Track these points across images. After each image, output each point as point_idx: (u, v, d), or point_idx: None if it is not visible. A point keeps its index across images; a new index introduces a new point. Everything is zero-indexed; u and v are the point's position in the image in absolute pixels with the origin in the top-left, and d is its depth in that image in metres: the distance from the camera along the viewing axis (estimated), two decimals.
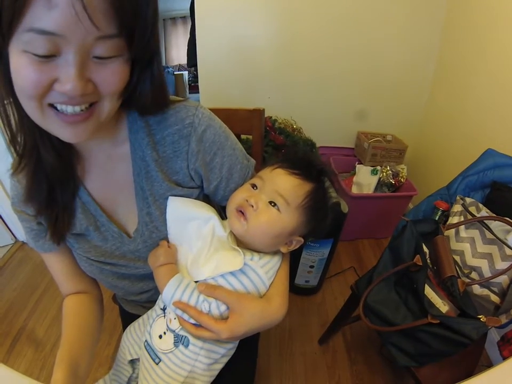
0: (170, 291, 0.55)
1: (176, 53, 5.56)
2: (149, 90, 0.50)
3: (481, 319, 0.72)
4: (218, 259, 0.57)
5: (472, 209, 0.90)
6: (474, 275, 0.83)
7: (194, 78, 5.35)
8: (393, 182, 1.81)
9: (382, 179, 1.85)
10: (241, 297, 0.55)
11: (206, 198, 0.67)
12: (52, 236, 0.59)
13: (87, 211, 0.60)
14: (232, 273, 0.56)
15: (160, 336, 0.59)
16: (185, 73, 5.49)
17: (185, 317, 0.55)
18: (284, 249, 0.61)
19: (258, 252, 0.59)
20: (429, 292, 0.83)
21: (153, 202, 0.61)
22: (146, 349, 0.60)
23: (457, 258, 0.87)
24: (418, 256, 0.86)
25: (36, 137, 0.48)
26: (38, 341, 1.42)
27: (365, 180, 1.92)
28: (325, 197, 0.62)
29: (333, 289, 1.66)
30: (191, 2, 2.07)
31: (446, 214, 0.97)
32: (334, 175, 0.67)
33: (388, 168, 1.83)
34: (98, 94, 0.42)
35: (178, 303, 0.55)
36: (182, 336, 0.57)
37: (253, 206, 0.56)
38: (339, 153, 2.15)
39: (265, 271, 0.58)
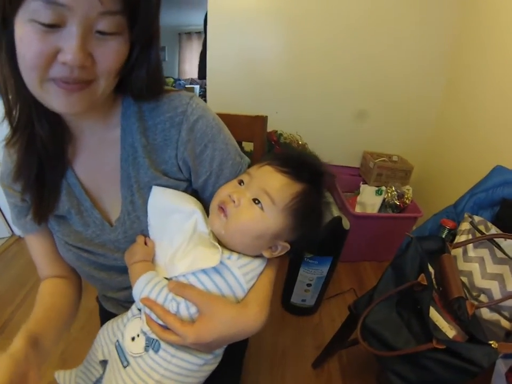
0: (140, 287, 0.51)
1: (189, 67, 5.71)
2: (145, 75, 0.51)
3: (492, 345, 0.66)
4: (195, 255, 0.52)
5: (481, 227, 0.85)
6: (483, 298, 0.77)
7: (204, 92, 5.47)
8: (398, 203, 1.77)
9: (386, 200, 1.81)
10: (213, 300, 0.50)
11: (195, 194, 0.63)
12: (35, 215, 0.58)
13: (71, 193, 0.59)
14: (205, 271, 0.51)
15: (133, 338, 0.53)
16: (197, 87, 5.66)
17: (154, 317, 0.51)
18: (266, 254, 0.56)
19: (238, 252, 0.54)
20: (434, 314, 0.77)
21: (137, 190, 0.58)
22: (116, 349, 0.55)
23: (464, 279, 0.81)
24: (422, 275, 0.80)
25: (31, 111, 0.48)
26: None
27: (369, 200, 1.88)
28: (318, 202, 0.57)
29: (331, 311, 1.58)
30: (205, 16, 2.11)
31: (453, 233, 0.92)
32: (332, 177, 0.60)
33: (393, 189, 1.79)
34: (95, 72, 0.43)
35: (146, 300, 0.51)
36: (153, 340, 0.52)
37: (234, 202, 0.52)
38: (344, 172, 2.12)
39: (243, 273, 0.53)
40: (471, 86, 1.64)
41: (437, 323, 0.75)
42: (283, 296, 1.59)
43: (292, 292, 1.52)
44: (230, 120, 0.70)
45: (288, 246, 0.57)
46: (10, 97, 0.47)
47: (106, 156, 0.59)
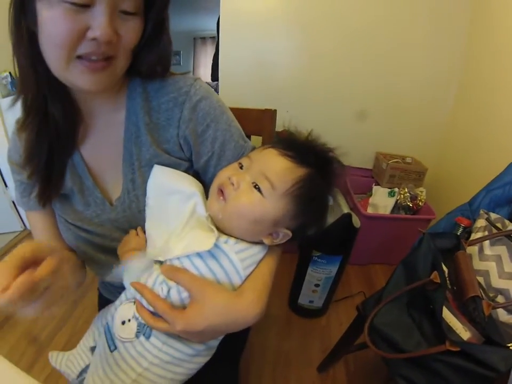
0: (131, 270, 0.50)
1: (204, 71, 5.77)
2: (157, 52, 0.54)
3: (511, 348, 0.61)
4: (190, 238, 0.50)
5: (498, 225, 0.79)
6: (500, 299, 0.72)
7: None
8: (411, 205, 1.71)
9: (399, 201, 1.75)
10: (206, 285, 0.47)
11: (197, 176, 0.62)
12: (40, 197, 0.58)
13: (75, 172, 0.60)
14: (200, 255, 0.48)
15: (123, 322, 0.51)
16: None
17: (145, 303, 0.48)
18: (267, 241, 0.53)
19: (236, 238, 0.52)
20: (447, 315, 0.72)
21: (138, 168, 0.58)
22: (105, 333, 0.53)
23: (480, 279, 0.76)
24: (435, 272, 0.75)
25: (46, 93, 0.50)
26: (24, 329, 1.39)
27: (381, 202, 1.83)
28: (322, 189, 0.54)
29: (339, 314, 1.53)
30: (218, 19, 2.12)
31: (468, 231, 0.86)
32: (342, 167, 0.56)
33: (406, 190, 1.74)
34: (117, 49, 0.47)
35: (137, 284, 0.48)
36: (145, 325, 0.49)
37: (233, 185, 0.50)
38: (356, 173, 2.07)
39: (240, 258, 0.50)
40: (483, 87, 1.60)
41: (450, 324, 0.70)
42: (290, 297, 1.55)
43: (299, 293, 1.48)
44: (239, 113, 0.70)
45: (290, 234, 0.53)
46: (24, 79, 0.49)
47: (110, 136, 0.60)
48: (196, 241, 0.49)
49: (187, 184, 0.56)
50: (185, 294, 0.47)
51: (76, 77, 0.47)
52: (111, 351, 0.50)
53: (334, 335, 1.39)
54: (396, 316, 0.81)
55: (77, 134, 0.58)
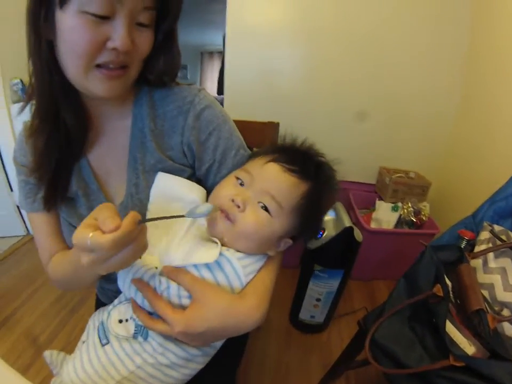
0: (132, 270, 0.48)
1: (210, 85, 5.87)
2: (167, 61, 0.57)
3: None
4: (191, 247, 0.50)
5: (503, 237, 0.78)
6: (506, 312, 0.70)
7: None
8: (414, 220, 1.69)
9: (402, 216, 1.74)
10: (207, 286, 0.47)
11: (199, 183, 0.62)
12: (46, 202, 0.58)
13: (80, 175, 0.61)
14: (205, 263, 0.48)
15: (121, 321, 0.51)
16: None
17: (139, 302, 0.48)
18: (270, 252, 0.54)
19: None
20: (451, 329, 0.69)
21: (142, 172, 0.59)
22: (98, 329, 0.52)
23: (485, 293, 0.74)
24: (438, 285, 0.74)
25: (59, 100, 0.52)
26: (22, 331, 1.40)
27: (384, 216, 1.81)
28: (322, 196, 0.55)
29: (340, 330, 1.49)
30: (224, 33, 2.17)
31: (472, 244, 0.85)
32: (333, 171, 0.58)
33: (410, 205, 1.72)
34: (132, 57, 0.50)
35: (138, 282, 0.48)
36: (142, 327, 0.49)
37: (239, 207, 0.49)
38: (359, 188, 2.06)
39: (242, 265, 0.50)
40: (486, 99, 1.60)
41: (454, 339, 0.67)
42: (291, 312, 1.52)
43: (300, 307, 1.45)
44: (242, 126, 0.71)
45: (291, 242, 0.55)
46: (39, 86, 0.50)
47: (117, 141, 0.61)
48: (198, 252, 0.49)
49: (189, 192, 0.56)
50: (184, 293, 0.47)
51: (94, 84, 0.49)
52: (102, 345, 0.49)
53: (335, 351, 1.35)
54: (397, 329, 0.79)
55: (87, 139, 0.60)
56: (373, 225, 1.83)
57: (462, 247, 0.85)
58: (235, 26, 1.83)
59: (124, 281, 0.50)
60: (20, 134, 0.61)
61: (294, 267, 1.73)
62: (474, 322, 0.67)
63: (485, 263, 0.77)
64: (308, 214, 0.53)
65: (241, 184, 0.53)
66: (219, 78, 2.81)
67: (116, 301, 0.55)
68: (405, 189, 1.79)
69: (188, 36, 5.07)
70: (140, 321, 0.48)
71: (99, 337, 0.51)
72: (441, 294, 0.72)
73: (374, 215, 1.88)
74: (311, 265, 1.34)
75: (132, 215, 0.39)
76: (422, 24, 1.71)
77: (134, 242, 0.39)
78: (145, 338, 0.48)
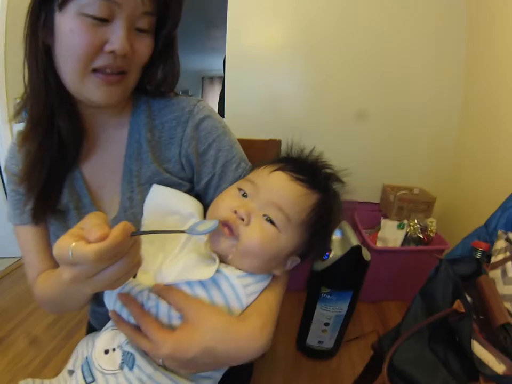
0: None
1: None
2: (167, 69, 0.56)
3: None
4: (186, 263, 0.45)
5: None
6: None
7: None
8: (421, 237, 1.65)
9: (409, 234, 1.70)
10: (201, 306, 0.42)
11: (197, 197, 0.59)
12: (35, 212, 0.55)
13: (73, 187, 0.58)
14: (200, 281, 0.43)
15: (107, 352, 0.45)
16: None
17: (125, 316, 0.43)
18: (277, 272, 0.49)
19: None
20: (476, 347, 0.64)
21: (137, 185, 0.56)
22: (82, 366, 0.45)
23: (507, 305, 0.69)
24: (458, 301, 0.69)
25: (54, 106, 0.51)
26: (16, 353, 1.35)
27: (391, 235, 1.77)
28: (332, 211, 0.51)
29: (351, 355, 1.41)
30: (224, 58, 2.22)
31: (488, 255, 0.81)
32: (342, 183, 0.54)
33: (416, 222, 1.69)
34: (130, 64, 0.49)
35: (124, 296, 0.43)
36: (129, 353, 0.43)
37: (243, 219, 0.45)
38: (363, 208, 2.03)
39: (243, 284, 0.45)
40: (488, 111, 1.59)
41: (480, 357, 0.62)
42: (298, 338, 1.44)
43: (307, 333, 1.37)
44: (244, 144, 0.70)
45: (299, 260, 0.51)
46: (33, 90, 0.50)
47: (111, 153, 0.59)
48: (193, 267, 0.44)
49: (186, 205, 0.53)
50: (175, 314, 0.42)
51: (91, 90, 0.48)
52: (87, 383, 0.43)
53: (347, 378, 1.27)
54: (417, 352, 0.73)
55: (81, 149, 0.58)
56: (379, 245, 1.78)
57: (478, 258, 0.81)
58: (235, 48, 1.87)
59: (109, 297, 0.45)
60: (12, 142, 0.59)
61: (300, 290, 1.66)
62: (500, 338, 0.62)
63: (504, 273, 0.73)
64: (317, 228, 0.49)
65: (244, 195, 0.48)
66: (219, 101, 2.85)
67: (103, 329, 0.50)
68: (410, 206, 1.76)
69: (190, 62, 5.21)
70: (123, 332, 0.43)
71: (83, 375, 0.45)
72: (462, 310, 0.67)
73: (379, 234, 1.84)
74: (318, 288, 1.28)
75: (124, 225, 0.34)
76: (421, 39, 1.74)
77: (125, 257, 0.34)
78: (131, 368, 0.42)
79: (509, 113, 1.44)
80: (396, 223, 1.79)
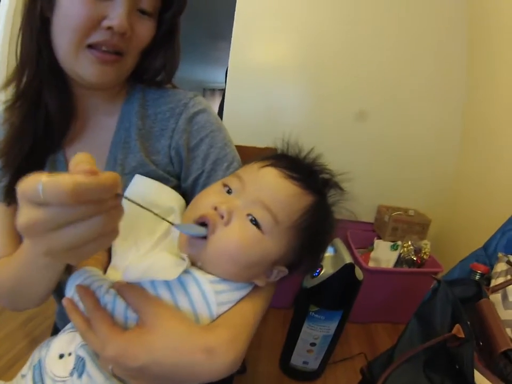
0: (76, 276, 0.40)
1: None
2: (167, 57, 0.56)
3: None
4: (154, 261, 0.40)
5: None
6: None
7: None
8: (414, 259, 1.62)
9: (402, 255, 1.67)
10: (162, 309, 0.36)
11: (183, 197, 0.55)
12: (9, 190, 0.51)
13: (54, 170, 0.55)
14: (166, 281, 0.38)
15: (62, 356, 0.39)
16: None
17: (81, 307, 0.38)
18: (260, 282, 0.43)
19: None
20: (475, 376, 0.60)
21: (121, 174, 0.52)
22: (33, 370, 0.40)
23: (508, 331, 0.65)
24: (458, 325, 0.65)
25: (44, 79, 0.49)
26: None
27: (383, 256, 1.74)
28: (327, 218, 0.47)
29: (337, 377, 1.34)
30: (226, 69, 2.23)
31: (487, 277, 0.78)
32: (341, 191, 0.50)
33: (409, 243, 1.66)
34: (128, 46, 0.48)
35: (81, 288, 0.38)
36: (80, 358, 0.38)
37: (223, 217, 0.39)
38: (356, 227, 1.99)
39: (215, 290, 0.39)
40: (488, 135, 1.60)
41: None
42: (282, 357, 1.37)
43: (292, 352, 1.31)
44: (239, 151, 0.66)
45: (286, 271, 0.45)
46: (24, 62, 0.48)
47: (98, 139, 0.57)
48: (160, 266, 0.39)
49: (166, 199, 0.48)
50: (132, 316, 0.37)
51: (84, 67, 0.47)
52: None
53: None
54: (411, 379, 0.68)
55: (68, 131, 0.55)
56: (371, 265, 1.74)
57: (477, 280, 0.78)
58: (238, 60, 1.87)
59: (71, 286, 0.40)
60: None
61: (287, 307, 1.61)
62: (500, 365, 0.58)
63: (505, 297, 0.70)
64: (310, 234, 0.43)
65: (229, 192, 0.43)
66: (218, 112, 2.86)
67: (62, 330, 0.45)
68: (405, 227, 1.75)
69: (192, 72, 5.25)
70: (75, 325, 0.38)
71: (34, 380, 0.39)
72: (462, 335, 0.63)
73: (372, 254, 1.81)
74: (306, 305, 1.23)
75: (116, 175, 0.28)
76: (423, 64, 1.77)
77: (104, 215, 0.28)
78: (80, 376, 0.37)
79: (508, 139, 1.45)
80: (389, 243, 1.77)
